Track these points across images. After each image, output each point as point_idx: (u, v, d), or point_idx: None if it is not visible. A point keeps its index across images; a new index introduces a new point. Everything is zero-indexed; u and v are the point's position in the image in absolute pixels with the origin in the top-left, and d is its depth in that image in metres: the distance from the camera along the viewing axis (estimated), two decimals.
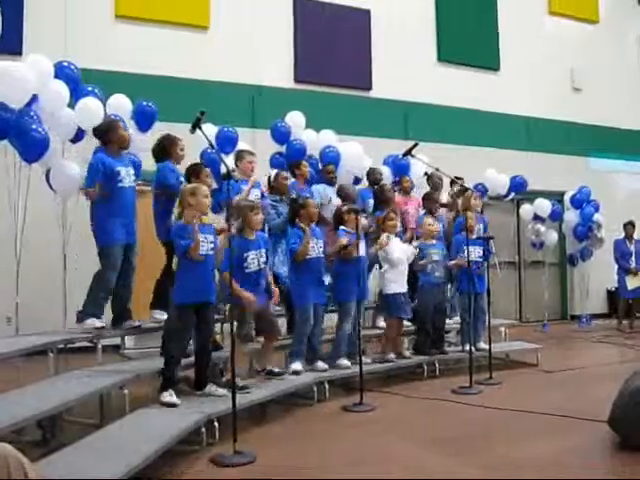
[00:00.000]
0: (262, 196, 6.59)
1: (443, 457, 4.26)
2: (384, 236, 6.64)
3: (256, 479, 3.86)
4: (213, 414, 4.52)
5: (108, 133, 5.65)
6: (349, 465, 4.09)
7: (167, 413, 4.58)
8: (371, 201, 7.55)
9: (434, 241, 7.17)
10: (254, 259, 5.42)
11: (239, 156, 6.52)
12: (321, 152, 7.94)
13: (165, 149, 5.91)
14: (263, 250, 5.52)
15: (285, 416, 5.42)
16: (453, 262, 7.21)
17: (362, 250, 6.37)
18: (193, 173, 5.70)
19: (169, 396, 4.75)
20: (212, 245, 4.97)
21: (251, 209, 5.47)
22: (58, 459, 3.61)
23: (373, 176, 7.91)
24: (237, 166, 6.47)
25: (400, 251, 6.77)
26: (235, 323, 5.37)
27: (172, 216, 5.48)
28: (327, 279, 6.20)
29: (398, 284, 6.76)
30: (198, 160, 6.48)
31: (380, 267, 6.99)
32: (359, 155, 8.17)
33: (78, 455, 3.69)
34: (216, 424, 4.51)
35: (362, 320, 6.24)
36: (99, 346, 5.44)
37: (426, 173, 8.23)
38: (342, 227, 6.44)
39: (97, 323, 5.51)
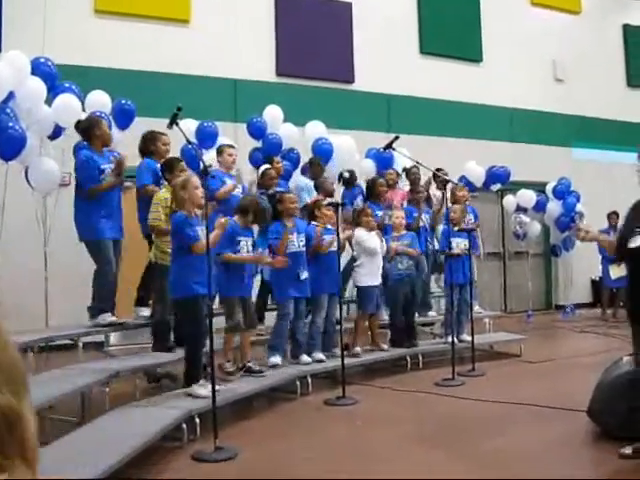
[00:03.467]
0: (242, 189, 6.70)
1: (425, 449, 4.29)
2: (347, 232, 6.68)
3: (236, 478, 3.87)
4: (194, 410, 4.52)
5: (91, 130, 5.62)
6: (330, 460, 4.11)
7: (147, 410, 4.57)
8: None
9: (403, 231, 7.20)
10: (244, 245, 5.61)
11: (219, 150, 6.57)
12: (313, 145, 7.94)
13: (146, 146, 5.98)
14: (250, 239, 5.70)
15: (268, 410, 5.44)
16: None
17: (334, 244, 6.39)
18: (167, 168, 5.66)
19: (202, 388, 4.76)
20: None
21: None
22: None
23: (352, 179, 7.89)
24: (218, 160, 6.49)
25: (375, 241, 6.79)
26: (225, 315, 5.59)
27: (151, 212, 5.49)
28: (304, 274, 6.17)
29: (371, 276, 6.76)
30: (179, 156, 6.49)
31: (354, 260, 7.02)
32: (351, 149, 8.19)
33: (58, 454, 3.67)
34: (197, 420, 4.51)
35: (344, 313, 6.21)
36: (80, 344, 5.42)
37: (404, 169, 8.27)
38: (313, 222, 6.45)
39: (108, 318, 5.57)
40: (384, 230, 7.28)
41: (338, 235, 5.93)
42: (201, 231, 4.79)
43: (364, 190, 7.86)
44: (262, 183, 6.96)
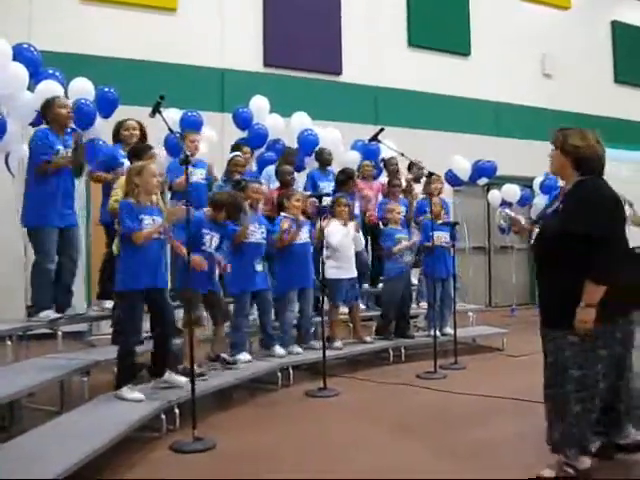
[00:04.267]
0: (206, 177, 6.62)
1: (405, 442, 4.28)
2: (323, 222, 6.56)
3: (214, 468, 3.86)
4: (173, 401, 4.49)
5: (45, 111, 5.45)
6: (310, 450, 4.10)
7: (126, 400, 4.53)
8: (322, 184, 7.54)
9: (400, 227, 7.18)
10: (208, 241, 5.39)
11: (183, 137, 6.40)
12: (299, 136, 7.90)
13: (114, 134, 6.01)
14: (217, 236, 5.47)
15: (249, 401, 5.42)
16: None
17: (306, 236, 6.34)
18: (134, 154, 5.42)
19: (129, 392, 4.50)
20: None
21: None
22: (12, 447, 3.58)
23: (322, 157, 7.76)
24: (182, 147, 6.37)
25: (342, 235, 6.64)
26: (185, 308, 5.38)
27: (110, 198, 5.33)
28: (259, 266, 6.00)
29: (339, 270, 6.64)
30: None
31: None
32: (336, 140, 8.17)
33: (33, 443, 3.64)
34: (176, 411, 4.49)
35: (322, 305, 6.17)
36: (59, 333, 5.38)
37: (383, 159, 8.24)
38: (283, 213, 6.36)
39: (52, 315, 5.31)
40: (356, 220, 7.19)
41: (315, 226, 5.88)
42: (152, 220, 4.58)
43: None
44: (228, 170, 6.86)
